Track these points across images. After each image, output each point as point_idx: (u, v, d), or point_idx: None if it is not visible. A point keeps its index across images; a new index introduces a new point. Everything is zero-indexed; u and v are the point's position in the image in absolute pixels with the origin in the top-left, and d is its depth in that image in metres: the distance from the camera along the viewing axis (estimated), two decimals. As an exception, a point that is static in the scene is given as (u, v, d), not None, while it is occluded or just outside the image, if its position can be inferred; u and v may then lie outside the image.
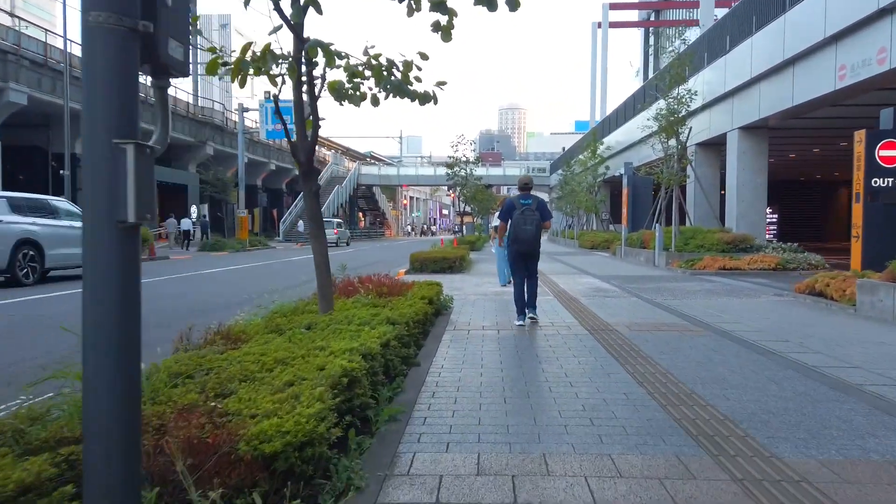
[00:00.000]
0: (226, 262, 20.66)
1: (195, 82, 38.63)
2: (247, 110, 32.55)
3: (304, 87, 5.32)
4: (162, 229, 35.59)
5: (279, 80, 5.02)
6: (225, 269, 17.20)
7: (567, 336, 6.37)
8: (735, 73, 17.30)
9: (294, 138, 5.61)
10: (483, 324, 7.23)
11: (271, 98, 5.88)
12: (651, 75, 37.85)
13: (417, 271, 15.34)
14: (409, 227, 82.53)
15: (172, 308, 9.17)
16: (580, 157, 35.60)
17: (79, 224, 13.02)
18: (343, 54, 5.24)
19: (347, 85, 5.44)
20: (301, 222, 42.49)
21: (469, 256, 19.24)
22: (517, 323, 7.04)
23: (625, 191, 23.21)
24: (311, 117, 5.41)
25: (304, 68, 5.07)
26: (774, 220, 40.01)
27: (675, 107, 17.40)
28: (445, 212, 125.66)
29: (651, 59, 58.15)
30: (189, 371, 3.25)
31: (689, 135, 17.62)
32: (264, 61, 4.45)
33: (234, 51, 4.60)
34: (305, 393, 2.69)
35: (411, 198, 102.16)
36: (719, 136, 19.34)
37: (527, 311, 7.13)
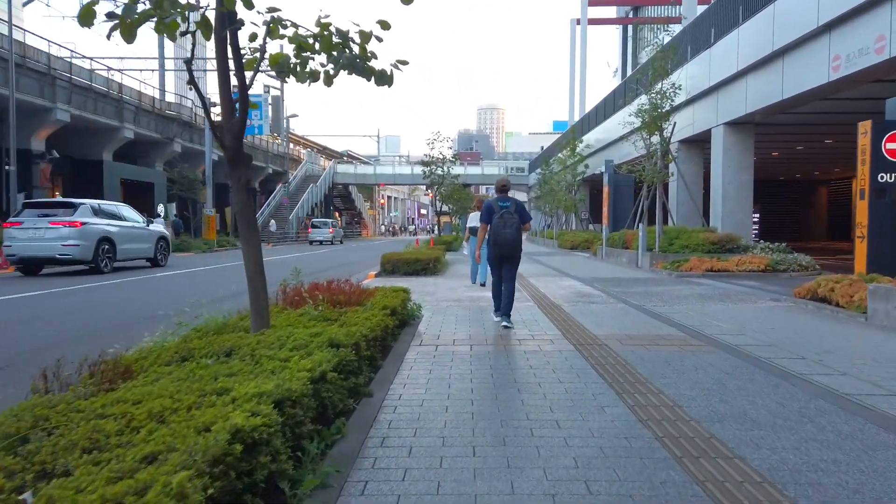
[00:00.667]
0: (186, 263, 19.51)
1: (161, 77, 37.19)
2: (214, 105, 31.30)
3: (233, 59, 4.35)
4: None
5: (189, 39, 4.03)
6: (180, 272, 16.09)
7: (551, 353, 5.49)
8: (720, 67, 16.63)
9: (219, 119, 4.64)
10: (454, 336, 6.33)
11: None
12: (630, 73, 37.30)
13: (389, 274, 14.42)
14: (382, 227, 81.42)
15: (84, 323, 7.87)
16: (559, 155, 34.92)
17: (139, 225, 17.22)
18: (288, 23, 4.32)
19: (294, 60, 4.51)
20: (273, 222, 41.25)
21: (445, 258, 18.35)
22: (495, 318, 7.33)
23: (605, 189, 22.51)
24: (239, 94, 4.44)
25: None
26: (755, 219, 39.76)
27: (659, 101, 16.67)
28: (424, 211, 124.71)
29: (629, 57, 57.84)
30: (24, 430, 2.30)
31: (672, 131, 16.91)
32: (161, 7, 3.45)
33: None
34: (161, 481, 1.75)
35: (389, 197, 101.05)
36: (703, 133, 18.67)
37: (502, 320, 6.99)
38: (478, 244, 7.99)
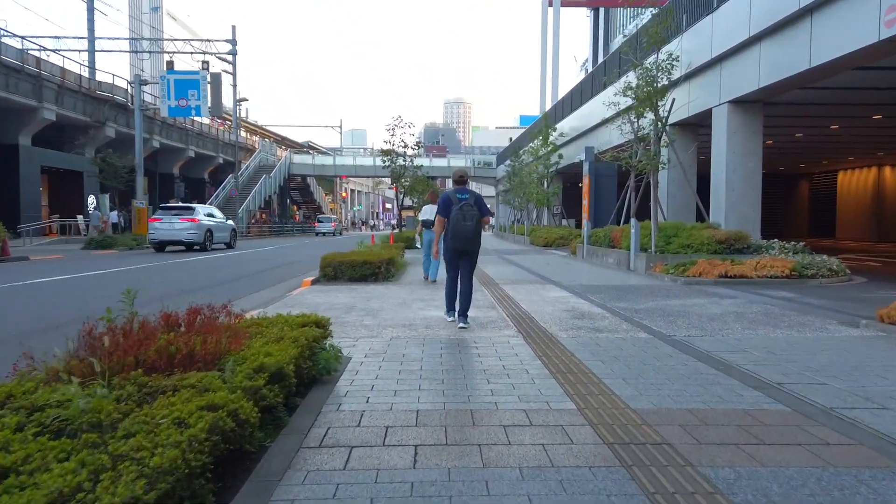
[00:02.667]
0: (96, 264, 16.32)
1: (91, 54, 33.46)
2: (145, 83, 27.81)
3: None
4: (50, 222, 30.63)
5: None
6: (72, 277, 12.97)
7: (572, 469, 2.78)
8: (726, 34, 14.17)
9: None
10: (393, 417, 3.58)
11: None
12: (601, 61, 34.75)
13: (331, 280, 11.60)
14: (346, 222, 78.02)
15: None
16: (530, 145, 32.40)
17: (224, 222, 25.01)
18: None
19: None
20: (219, 216, 37.76)
21: (402, 258, 15.56)
22: (448, 318, 6.94)
23: (585, 180, 20.02)
24: None
25: None
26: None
27: (654, 74, 14.16)
28: (389, 206, 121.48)
29: (601, 45, 55.72)
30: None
31: (670, 108, 14.41)
32: None
33: None
34: None
35: (352, 191, 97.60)
36: (700, 114, 16.26)
37: (459, 321, 6.64)
38: (436, 239, 7.41)
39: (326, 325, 4.85)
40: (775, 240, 13.56)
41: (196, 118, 46.08)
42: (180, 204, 27.37)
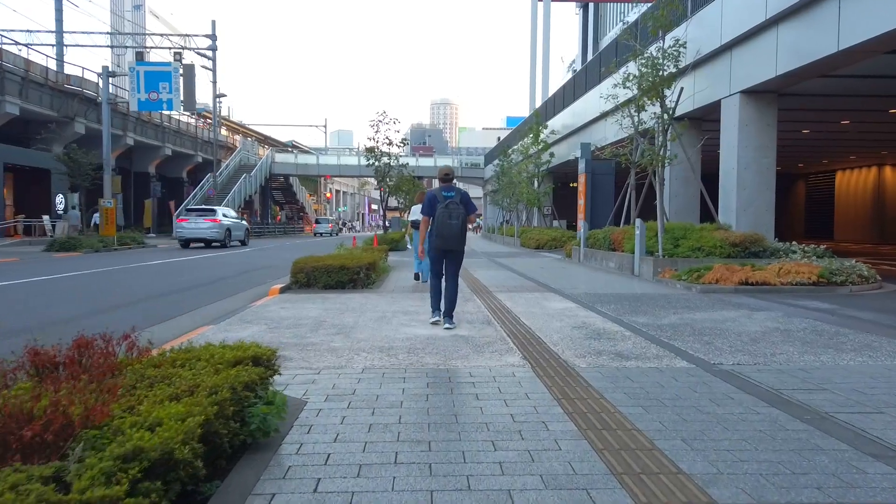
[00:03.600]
0: (53, 267, 14.84)
1: (59, 45, 31.78)
2: (113, 75, 26.24)
3: None
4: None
5: None
6: (10, 284, 11.54)
7: None
8: (737, 19, 13.03)
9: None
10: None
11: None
12: (598, 52, 33.45)
13: (303, 287, 10.29)
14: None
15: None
16: (520, 144, 31.22)
17: (239, 222, 28.53)
18: None
19: None
20: (194, 216, 36.17)
21: (385, 262, 14.26)
22: (432, 319, 6.69)
23: (581, 178, 18.83)
24: None
25: None
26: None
27: (660, 62, 12.99)
28: (375, 207, 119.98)
29: (591, 43, 54.75)
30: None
31: (678, 98, 13.23)
32: None
33: None
34: None
35: (337, 191, 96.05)
36: (706, 107, 15.13)
37: (445, 321, 6.48)
38: (420, 238, 7.29)
39: (270, 361, 3.53)
40: (793, 242, 12.42)
41: (174, 115, 44.50)
42: (204, 206, 29.94)
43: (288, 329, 6.42)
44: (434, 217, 6.38)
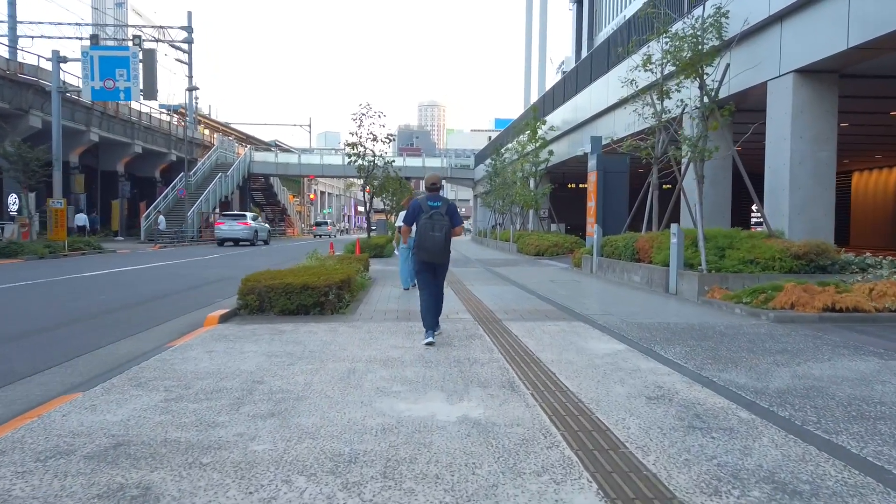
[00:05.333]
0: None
1: (11, 29, 29.02)
2: (64, 60, 23.54)
3: None
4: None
5: None
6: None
7: None
8: (791, -17, 10.75)
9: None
10: None
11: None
12: (584, 57, 30.86)
13: (254, 313, 7.88)
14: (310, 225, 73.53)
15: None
16: (515, 140, 28.88)
17: (263, 225, 35.74)
18: None
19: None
20: (162, 219, 33.52)
21: (365, 275, 11.84)
22: (425, 341, 5.97)
23: (592, 176, 16.53)
24: None
25: None
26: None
27: (699, 34, 10.70)
28: (362, 209, 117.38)
29: (584, 39, 52.70)
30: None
31: (723, 77, 10.93)
32: None
33: None
34: None
35: (322, 192, 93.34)
36: (741, 93, 12.86)
37: (425, 334, 6.06)
38: (403, 240, 7.30)
39: None
40: (866, 253, 10.16)
41: (144, 110, 41.73)
42: (237, 212, 36.82)
43: (196, 402, 4.01)
44: (416, 228, 6.03)
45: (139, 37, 25.59)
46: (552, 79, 55.54)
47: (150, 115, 42.66)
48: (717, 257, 10.10)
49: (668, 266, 10.62)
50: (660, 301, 9.57)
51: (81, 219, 33.54)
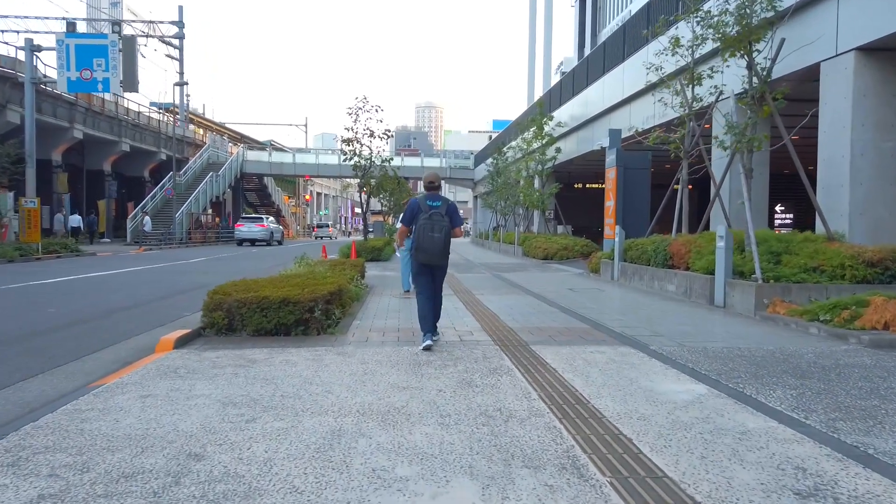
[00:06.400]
0: None
1: (-13, 19, 27.42)
2: (38, 49, 22.01)
3: None
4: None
5: None
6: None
7: None
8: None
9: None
10: None
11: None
12: (589, 51, 29.31)
13: (223, 333, 6.38)
14: (304, 227, 71.87)
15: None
16: (520, 138, 27.40)
17: (277, 227, 39.97)
18: None
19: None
20: (148, 219, 31.94)
21: (360, 283, 10.35)
22: (423, 344, 5.66)
23: (611, 173, 15.09)
24: None
25: None
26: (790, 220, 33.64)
27: (748, 3, 9.23)
28: (359, 210, 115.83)
29: (588, 37, 51.34)
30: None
31: (776, 54, 9.45)
32: None
33: None
34: None
35: (318, 194, 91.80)
36: (781, 79, 11.38)
37: (423, 338, 5.71)
38: (398, 243, 7.04)
39: None
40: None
41: (132, 107, 40.17)
42: (255, 215, 40.76)
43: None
44: (415, 229, 5.82)
45: (119, 24, 24.06)
46: (555, 77, 54.15)
47: (139, 113, 41.12)
48: (771, 264, 8.62)
49: (711, 274, 9.14)
50: (709, 316, 8.09)
51: (75, 220, 31.91)
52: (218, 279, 12.93)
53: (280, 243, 37.94)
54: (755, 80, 9.31)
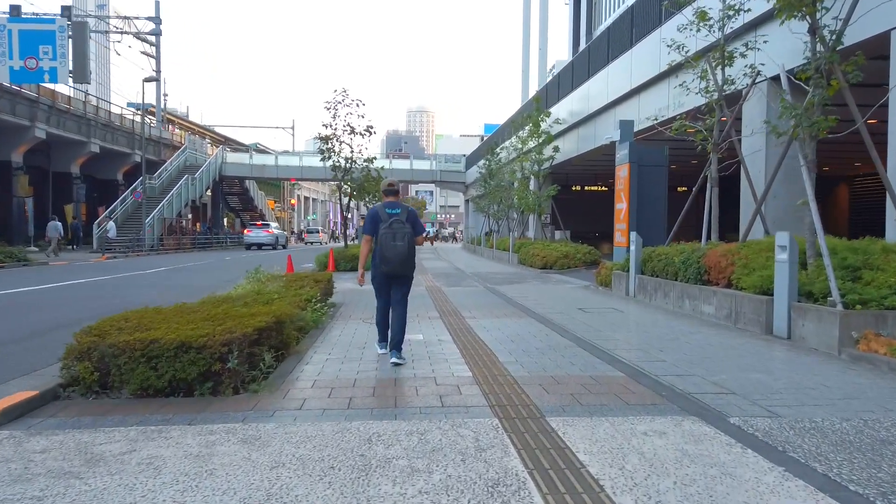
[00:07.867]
0: None
1: (-67, 6, 25.18)
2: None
3: None
4: None
5: None
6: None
7: None
8: None
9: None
10: None
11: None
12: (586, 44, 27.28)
13: (93, 393, 4.28)
14: (295, 232, 69.69)
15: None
16: (514, 136, 25.42)
17: (282, 232, 43.73)
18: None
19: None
20: (112, 225, 29.64)
21: (325, 303, 8.23)
22: (379, 351, 5.80)
23: (622, 171, 13.11)
24: None
25: None
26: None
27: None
28: (348, 214, 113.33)
29: (583, 35, 49.57)
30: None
31: (848, 17, 7.47)
32: None
33: None
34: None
35: (305, 198, 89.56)
36: (858, 46, 9.43)
37: (391, 355, 5.45)
38: (361, 260, 5.87)
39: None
40: None
41: (103, 105, 37.95)
42: (262, 222, 43.89)
43: None
44: (376, 239, 5.46)
45: (69, 7, 21.88)
46: (541, 84, 52.41)
47: (110, 112, 38.88)
48: (848, 282, 6.62)
49: (767, 294, 7.14)
50: (777, 354, 6.07)
51: (54, 227, 26.04)
52: (165, 296, 10.62)
53: (284, 247, 40.72)
54: (819, 48, 7.33)
